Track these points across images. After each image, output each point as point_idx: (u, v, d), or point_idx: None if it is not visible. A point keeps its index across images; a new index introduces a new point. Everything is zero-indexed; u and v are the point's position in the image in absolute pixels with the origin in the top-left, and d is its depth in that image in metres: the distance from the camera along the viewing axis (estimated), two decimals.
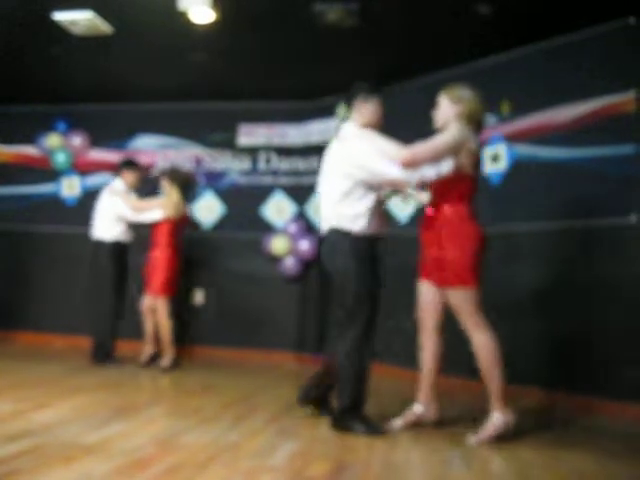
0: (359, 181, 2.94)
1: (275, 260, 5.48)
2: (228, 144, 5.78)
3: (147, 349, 4.89)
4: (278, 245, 5.37)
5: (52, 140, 6.01)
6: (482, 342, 2.89)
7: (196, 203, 5.75)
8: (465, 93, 2.99)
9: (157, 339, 4.88)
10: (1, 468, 2.07)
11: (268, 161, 5.73)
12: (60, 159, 6.02)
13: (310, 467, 2.30)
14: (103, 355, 4.75)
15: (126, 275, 4.97)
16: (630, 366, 3.50)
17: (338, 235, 2.97)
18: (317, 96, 5.44)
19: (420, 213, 3.48)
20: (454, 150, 2.86)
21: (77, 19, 4.02)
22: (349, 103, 3.13)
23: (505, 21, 3.83)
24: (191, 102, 5.77)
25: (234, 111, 5.77)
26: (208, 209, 5.77)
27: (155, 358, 4.86)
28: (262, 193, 5.68)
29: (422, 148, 2.85)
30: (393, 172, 2.88)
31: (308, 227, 5.46)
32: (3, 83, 5.49)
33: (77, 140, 5.99)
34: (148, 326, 4.91)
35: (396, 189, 3.10)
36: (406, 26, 4.00)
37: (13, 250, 6.04)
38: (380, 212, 3.05)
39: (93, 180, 5.92)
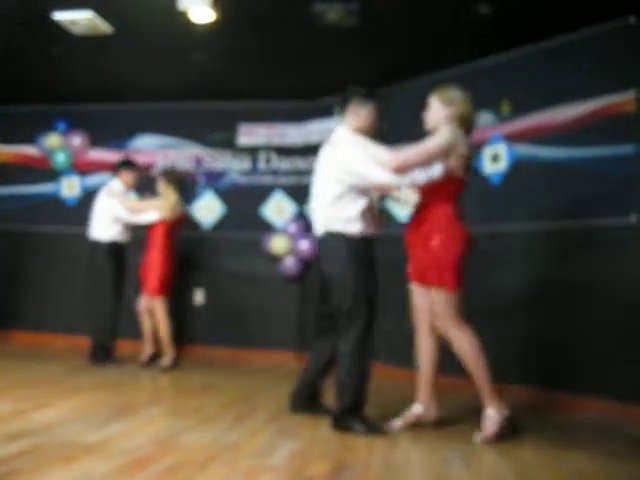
0: (350, 185, 2.96)
1: (275, 260, 5.48)
2: (228, 144, 5.77)
3: (147, 349, 4.89)
4: (278, 245, 5.37)
5: (52, 140, 6.00)
6: (461, 343, 2.91)
7: (196, 203, 5.76)
8: (456, 95, 2.99)
9: (156, 339, 4.89)
10: (1, 468, 2.08)
11: (268, 161, 5.73)
12: (60, 159, 6.02)
13: (310, 467, 2.30)
14: (103, 355, 4.75)
15: (124, 275, 4.97)
16: (632, 366, 3.49)
17: (333, 238, 2.99)
18: (317, 96, 5.44)
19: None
20: (445, 153, 2.87)
21: (77, 19, 4.02)
22: (344, 106, 3.13)
23: (505, 21, 3.83)
24: (191, 102, 5.77)
25: (234, 111, 5.77)
26: (208, 209, 5.77)
27: (155, 358, 4.86)
28: (262, 193, 5.68)
29: (413, 152, 2.86)
30: (382, 176, 2.90)
31: (308, 227, 5.45)
32: (3, 83, 5.49)
33: (77, 140, 5.99)
34: (146, 326, 4.92)
35: (385, 193, 3.11)
36: (406, 26, 4.00)
37: (13, 250, 6.03)
38: (373, 214, 3.07)
39: (93, 180, 5.91)
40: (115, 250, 4.89)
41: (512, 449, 2.72)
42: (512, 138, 4.26)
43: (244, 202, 5.69)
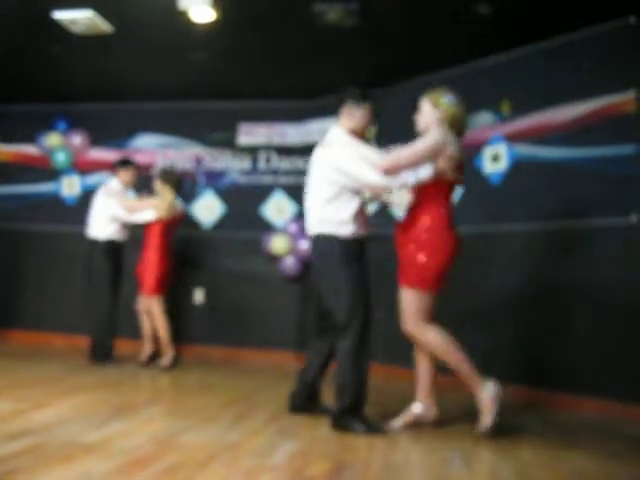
0: (343, 186, 2.97)
1: (275, 260, 5.48)
2: (228, 143, 5.77)
3: (146, 348, 4.90)
4: (278, 245, 5.37)
5: (52, 139, 6.00)
6: (426, 337, 2.95)
7: (196, 203, 5.76)
8: (447, 98, 3.00)
9: (155, 338, 4.89)
10: (1, 467, 2.07)
11: (268, 160, 5.73)
12: (60, 158, 6.01)
13: (310, 467, 2.30)
14: (102, 354, 4.75)
15: (121, 274, 4.97)
16: (632, 366, 3.49)
17: (326, 240, 3.00)
18: (317, 96, 5.44)
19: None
20: (434, 154, 2.88)
21: (77, 18, 4.02)
22: (338, 106, 3.13)
23: (505, 21, 3.83)
24: (191, 101, 5.77)
25: (234, 110, 5.77)
26: (208, 208, 5.77)
27: (154, 357, 4.87)
28: (262, 192, 5.68)
29: (403, 154, 2.88)
30: (374, 178, 2.92)
31: None
32: (3, 82, 5.49)
33: (77, 139, 5.99)
34: (145, 326, 4.93)
35: (376, 194, 3.12)
36: (406, 26, 4.00)
37: (13, 249, 6.03)
38: (363, 215, 3.08)
39: (93, 179, 5.91)
40: (113, 249, 4.89)
41: (512, 449, 2.72)
42: (512, 138, 4.26)
43: (244, 202, 5.69)
